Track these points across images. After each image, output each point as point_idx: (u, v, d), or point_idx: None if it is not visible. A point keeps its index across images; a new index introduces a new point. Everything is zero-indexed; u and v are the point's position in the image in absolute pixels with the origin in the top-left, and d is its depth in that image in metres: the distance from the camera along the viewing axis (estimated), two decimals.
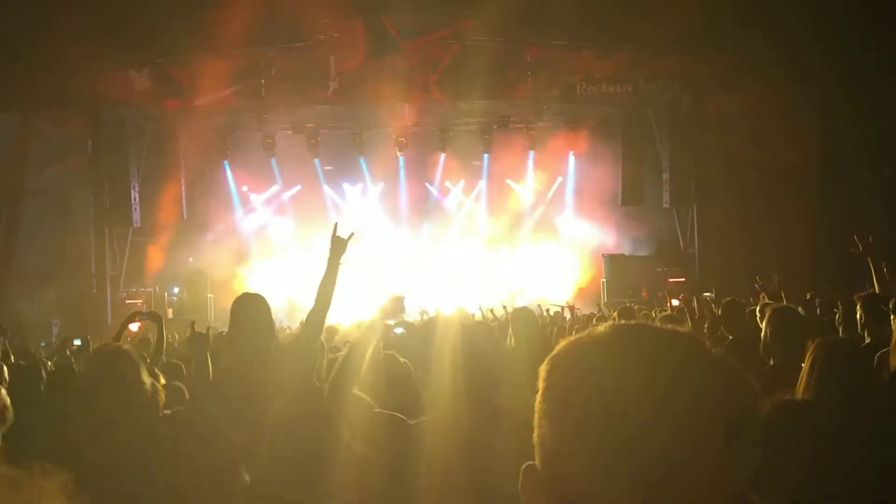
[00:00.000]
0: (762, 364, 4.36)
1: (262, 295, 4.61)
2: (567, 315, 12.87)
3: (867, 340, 4.99)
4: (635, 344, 1.02)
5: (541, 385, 1.06)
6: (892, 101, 16.68)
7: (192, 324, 5.61)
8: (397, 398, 4.26)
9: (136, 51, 17.58)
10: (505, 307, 16.60)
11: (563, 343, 1.07)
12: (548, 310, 15.31)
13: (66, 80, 17.15)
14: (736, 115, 19.61)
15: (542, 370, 1.06)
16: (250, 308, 4.41)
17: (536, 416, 1.05)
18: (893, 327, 4.34)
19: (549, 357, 1.06)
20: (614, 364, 0.99)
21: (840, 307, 6.13)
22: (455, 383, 4.71)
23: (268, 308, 4.53)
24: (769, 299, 6.97)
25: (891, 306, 4.74)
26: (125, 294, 20.06)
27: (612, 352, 1.01)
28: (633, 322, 1.08)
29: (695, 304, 7.84)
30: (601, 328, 1.06)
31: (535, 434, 1.05)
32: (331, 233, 4.51)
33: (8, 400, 3.76)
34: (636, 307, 12.79)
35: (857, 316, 5.32)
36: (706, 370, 0.99)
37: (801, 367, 3.50)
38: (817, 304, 8.09)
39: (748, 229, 19.38)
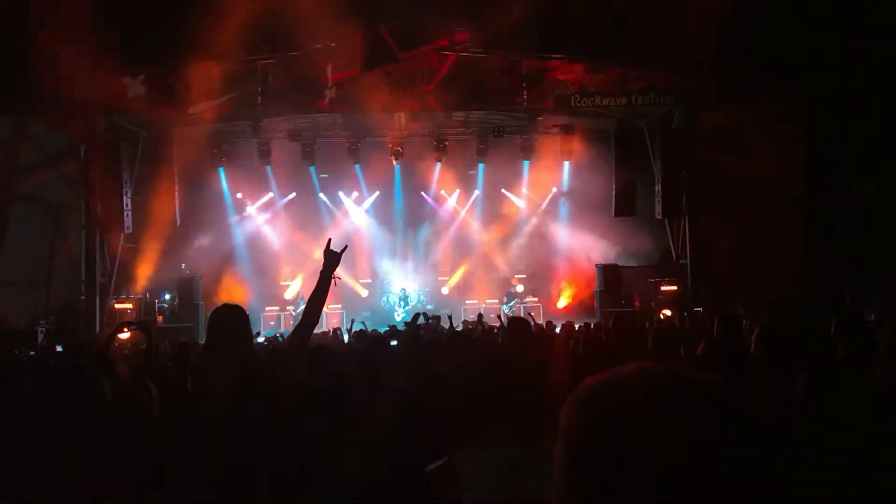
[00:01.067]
0: (755, 380, 4.37)
1: (240, 306, 4.46)
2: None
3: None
4: (655, 390, 1.04)
5: (561, 426, 1.09)
6: (879, 116, 16.82)
7: (182, 340, 5.52)
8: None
9: (131, 57, 17.53)
10: (500, 316, 16.71)
11: (586, 383, 1.10)
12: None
13: (61, 84, 17.08)
14: (726, 129, 19.79)
15: (563, 412, 1.09)
16: (224, 321, 4.26)
17: (556, 459, 1.08)
18: (882, 346, 4.36)
19: (570, 398, 1.09)
20: (634, 410, 1.02)
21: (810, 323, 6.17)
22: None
23: (245, 320, 4.37)
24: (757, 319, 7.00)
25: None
26: (115, 300, 19.92)
27: (633, 397, 1.04)
28: (653, 367, 1.10)
29: (686, 318, 7.84)
30: (624, 370, 1.09)
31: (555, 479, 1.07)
32: (325, 247, 4.50)
33: None
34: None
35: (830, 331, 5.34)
36: (723, 420, 1.02)
37: (790, 385, 3.51)
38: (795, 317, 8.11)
39: (738, 241, 19.54)
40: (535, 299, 23.14)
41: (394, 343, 9.11)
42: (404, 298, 22.76)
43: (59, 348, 7.26)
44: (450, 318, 11.50)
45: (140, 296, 20.35)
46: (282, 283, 23.62)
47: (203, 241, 22.77)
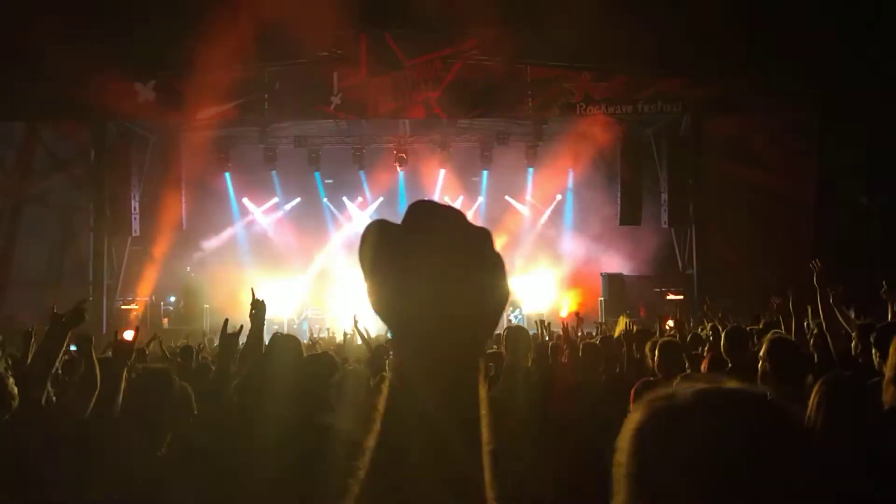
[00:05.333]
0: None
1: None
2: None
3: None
4: (722, 413, 1.07)
5: (626, 453, 1.11)
6: (890, 126, 16.79)
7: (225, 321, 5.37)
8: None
9: (141, 63, 17.69)
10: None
11: (643, 408, 1.12)
12: (548, 325, 15.08)
13: (72, 91, 17.24)
14: (734, 138, 19.71)
15: (625, 438, 1.11)
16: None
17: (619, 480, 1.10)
18: (890, 361, 4.37)
19: (634, 425, 1.11)
20: (703, 433, 1.05)
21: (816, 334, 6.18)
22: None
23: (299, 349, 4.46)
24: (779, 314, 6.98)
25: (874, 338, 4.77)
26: (121, 302, 20.03)
27: (698, 421, 1.07)
28: (713, 387, 1.13)
29: (688, 325, 7.86)
30: (682, 393, 1.11)
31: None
32: (251, 298, 4.63)
33: (15, 389, 3.91)
34: (633, 325, 12.72)
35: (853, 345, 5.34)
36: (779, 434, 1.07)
37: (796, 399, 3.56)
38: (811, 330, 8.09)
39: (745, 251, 19.41)
40: (540, 308, 23.04)
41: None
42: None
43: (72, 348, 7.25)
44: None
45: (146, 298, 20.45)
46: (284, 287, 23.63)
47: (209, 244, 22.85)
